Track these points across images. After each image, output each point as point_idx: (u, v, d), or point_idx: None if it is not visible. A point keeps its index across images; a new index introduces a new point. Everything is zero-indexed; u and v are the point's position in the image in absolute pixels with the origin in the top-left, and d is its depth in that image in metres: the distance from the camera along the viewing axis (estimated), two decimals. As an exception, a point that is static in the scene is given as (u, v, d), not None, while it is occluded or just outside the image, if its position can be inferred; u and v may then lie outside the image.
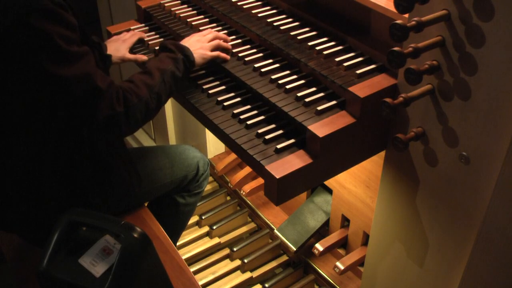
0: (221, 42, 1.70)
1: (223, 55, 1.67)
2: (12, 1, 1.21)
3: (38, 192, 1.52)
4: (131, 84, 1.46)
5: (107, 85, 1.36)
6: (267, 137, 1.41)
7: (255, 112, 1.53)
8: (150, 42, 1.89)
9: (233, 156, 2.64)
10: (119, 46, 1.83)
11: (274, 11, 1.83)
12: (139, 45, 1.90)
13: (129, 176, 1.69)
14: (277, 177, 1.29)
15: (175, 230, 2.07)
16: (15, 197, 1.54)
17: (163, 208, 2.02)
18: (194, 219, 2.53)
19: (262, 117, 1.50)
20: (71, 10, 1.34)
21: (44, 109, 1.40)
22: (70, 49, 1.28)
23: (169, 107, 2.74)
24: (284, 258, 2.39)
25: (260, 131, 1.44)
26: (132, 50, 1.87)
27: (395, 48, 1.14)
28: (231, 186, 2.47)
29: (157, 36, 1.95)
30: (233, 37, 1.80)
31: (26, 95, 1.36)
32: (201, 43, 1.66)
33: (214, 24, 1.88)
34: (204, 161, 2.01)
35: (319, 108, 1.42)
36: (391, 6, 1.42)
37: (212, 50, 1.66)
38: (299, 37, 1.65)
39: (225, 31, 1.83)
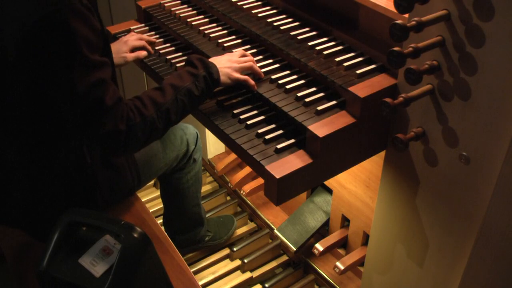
0: (254, 66, 1.59)
1: (252, 82, 1.54)
2: None
3: (45, 191, 1.52)
4: (137, 101, 1.40)
5: (115, 101, 1.32)
6: (267, 137, 1.41)
7: (255, 112, 1.53)
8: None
9: (233, 156, 2.64)
10: (120, 47, 1.79)
11: (274, 11, 1.84)
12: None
13: (130, 173, 1.70)
14: (277, 177, 1.29)
15: (189, 201, 2.13)
16: (24, 195, 1.54)
17: (166, 191, 2.11)
18: (194, 219, 2.54)
19: (262, 117, 1.50)
20: (97, 14, 1.31)
21: (52, 111, 1.38)
22: (90, 56, 1.26)
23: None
24: (284, 258, 2.39)
25: (260, 131, 1.44)
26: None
27: (395, 48, 1.14)
28: (231, 186, 2.47)
29: (157, 36, 1.95)
30: (233, 37, 1.80)
31: (34, 93, 1.34)
32: (231, 63, 1.55)
33: (214, 24, 1.89)
34: (192, 135, 2.01)
35: (319, 108, 1.42)
36: (391, 6, 1.42)
37: (243, 72, 1.57)
38: (299, 37, 1.65)
39: (225, 31, 1.83)
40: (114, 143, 1.36)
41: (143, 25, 2.04)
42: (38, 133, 1.43)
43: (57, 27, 1.20)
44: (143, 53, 1.79)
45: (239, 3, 1.89)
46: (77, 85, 1.26)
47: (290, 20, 1.77)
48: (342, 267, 2.02)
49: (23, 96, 1.35)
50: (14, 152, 1.48)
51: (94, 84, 1.28)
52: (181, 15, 1.95)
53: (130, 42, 1.82)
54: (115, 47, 1.80)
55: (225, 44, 1.75)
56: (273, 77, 1.57)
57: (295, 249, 2.16)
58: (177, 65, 1.76)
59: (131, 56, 1.79)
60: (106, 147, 1.39)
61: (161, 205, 2.59)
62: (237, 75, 1.54)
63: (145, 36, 1.88)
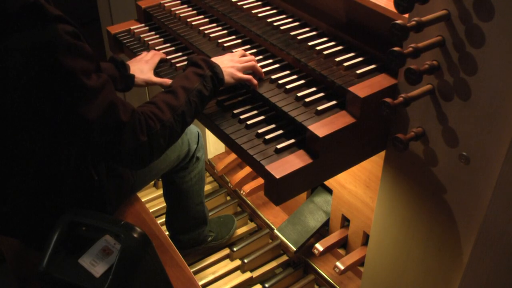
0: (256, 65, 1.58)
1: (255, 81, 1.54)
2: (35, 42, 1.15)
3: (47, 201, 1.49)
4: (153, 107, 1.37)
5: (130, 114, 1.29)
6: (267, 137, 1.41)
7: (255, 112, 1.53)
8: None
9: (233, 156, 2.64)
10: (142, 67, 1.71)
11: (274, 11, 1.84)
12: (162, 64, 1.78)
13: (132, 176, 1.70)
14: (277, 177, 1.29)
15: (193, 200, 2.13)
16: (26, 205, 1.51)
17: (170, 191, 2.10)
18: (194, 219, 2.54)
19: (262, 117, 1.50)
20: (82, 34, 1.26)
21: (59, 139, 1.35)
22: (89, 83, 1.21)
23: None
24: (284, 258, 2.39)
25: (260, 131, 1.44)
26: (155, 70, 1.75)
27: (395, 48, 1.14)
28: (231, 186, 2.47)
29: (157, 36, 1.95)
30: (233, 37, 1.80)
31: (45, 128, 1.30)
32: (233, 62, 1.55)
33: (214, 24, 1.89)
34: (193, 134, 1.99)
35: (319, 108, 1.42)
36: (391, 6, 1.42)
37: (245, 72, 1.56)
38: (299, 37, 1.65)
39: (225, 31, 1.83)
40: (140, 157, 1.34)
41: (143, 25, 2.04)
42: (43, 155, 1.40)
43: (59, 70, 1.17)
44: (169, 81, 1.65)
45: (239, 3, 1.89)
46: (88, 116, 1.23)
47: (290, 20, 1.77)
48: (342, 267, 2.02)
49: (28, 120, 1.30)
50: (20, 172, 1.44)
51: (105, 109, 1.25)
52: (181, 15, 1.95)
53: (152, 60, 1.75)
54: (136, 67, 1.72)
55: (225, 44, 1.75)
56: (273, 77, 1.57)
57: (295, 249, 2.16)
58: (177, 65, 1.76)
59: (156, 80, 1.70)
60: (132, 163, 1.36)
61: (161, 205, 2.60)
62: (240, 75, 1.54)
63: (158, 52, 1.81)
